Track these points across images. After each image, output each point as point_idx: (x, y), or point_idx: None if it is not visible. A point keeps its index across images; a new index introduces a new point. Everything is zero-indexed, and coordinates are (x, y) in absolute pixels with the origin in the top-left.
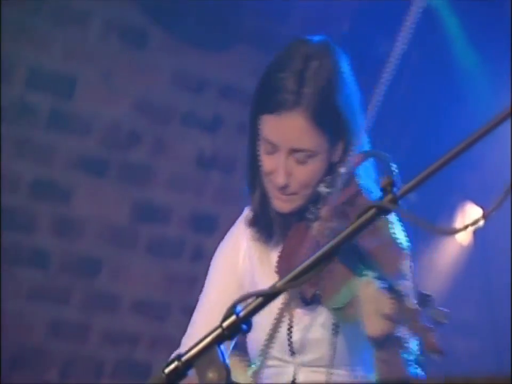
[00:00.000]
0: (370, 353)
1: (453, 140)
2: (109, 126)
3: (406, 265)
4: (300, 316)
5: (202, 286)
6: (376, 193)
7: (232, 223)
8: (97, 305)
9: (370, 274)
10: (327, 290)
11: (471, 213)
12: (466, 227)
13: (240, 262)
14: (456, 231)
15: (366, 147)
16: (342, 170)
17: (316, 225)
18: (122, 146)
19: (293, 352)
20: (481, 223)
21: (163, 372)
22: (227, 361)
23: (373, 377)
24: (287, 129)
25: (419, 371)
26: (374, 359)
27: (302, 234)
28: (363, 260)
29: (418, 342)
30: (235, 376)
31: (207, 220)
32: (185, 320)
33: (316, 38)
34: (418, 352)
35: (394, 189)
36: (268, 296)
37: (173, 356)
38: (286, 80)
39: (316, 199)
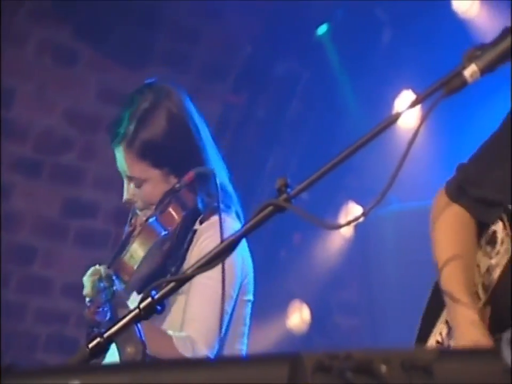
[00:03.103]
0: None
1: (338, 147)
2: (43, 133)
3: None
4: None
5: None
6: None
7: None
8: (32, 288)
9: None
10: None
11: (353, 211)
12: (349, 222)
13: None
14: (340, 225)
15: (220, 166)
16: (177, 186)
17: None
18: (55, 150)
19: None
20: (361, 219)
21: (87, 346)
22: (143, 337)
23: None
24: (119, 159)
25: None
26: None
27: None
28: None
29: None
30: None
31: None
32: None
33: (153, 81)
34: None
35: (288, 190)
36: (179, 281)
37: None
38: (120, 118)
39: None
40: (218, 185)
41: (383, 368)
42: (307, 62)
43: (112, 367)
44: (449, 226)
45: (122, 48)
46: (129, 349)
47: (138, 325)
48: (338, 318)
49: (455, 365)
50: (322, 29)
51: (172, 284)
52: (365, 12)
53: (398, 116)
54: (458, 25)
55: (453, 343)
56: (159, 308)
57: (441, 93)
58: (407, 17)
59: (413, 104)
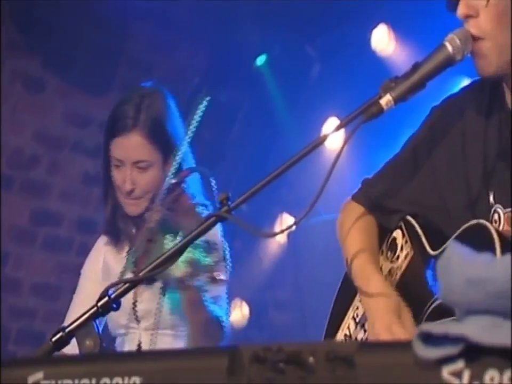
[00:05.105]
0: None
1: (274, 165)
2: (14, 151)
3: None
4: (142, 291)
5: None
6: (198, 197)
7: None
8: (4, 287)
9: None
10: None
11: (286, 221)
12: (282, 231)
13: (100, 267)
14: (275, 234)
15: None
16: (172, 180)
17: (147, 215)
18: (25, 166)
19: (137, 321)
20: (293, 228)
21: (51, 340)
22: (100, 332)
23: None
24: (129, 146)
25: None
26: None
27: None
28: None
29: None
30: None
31: (90, 223)
32: None
33: (148, 83)
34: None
35: (229, 202)
36: (133, 282)
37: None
38: (126, 110)
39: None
40: (215, 187)
41: (311, 359)
42: (247, 90)
43: (72, 359)
44: (357, 224)
45: (85, 77)
46: (88, 342)
47: (96, 321)
48: (273, 314)
49: (374, 356)
50: (261, 60)
51: (126, 285)
52: (297, 48)
53: (324, 138)
54: (377, 61)
55: (368, 328)
56: (115, 305)
57: (361, 118)
58: (333, 54)
59: (337, 128)
